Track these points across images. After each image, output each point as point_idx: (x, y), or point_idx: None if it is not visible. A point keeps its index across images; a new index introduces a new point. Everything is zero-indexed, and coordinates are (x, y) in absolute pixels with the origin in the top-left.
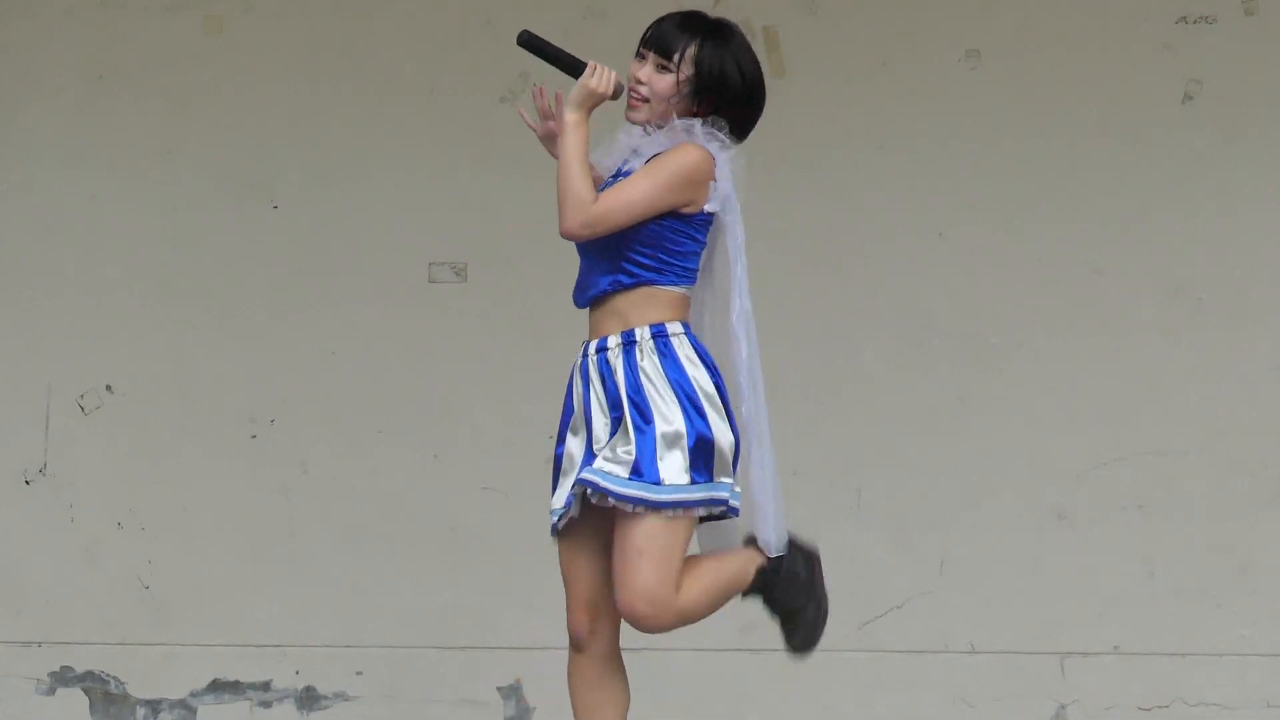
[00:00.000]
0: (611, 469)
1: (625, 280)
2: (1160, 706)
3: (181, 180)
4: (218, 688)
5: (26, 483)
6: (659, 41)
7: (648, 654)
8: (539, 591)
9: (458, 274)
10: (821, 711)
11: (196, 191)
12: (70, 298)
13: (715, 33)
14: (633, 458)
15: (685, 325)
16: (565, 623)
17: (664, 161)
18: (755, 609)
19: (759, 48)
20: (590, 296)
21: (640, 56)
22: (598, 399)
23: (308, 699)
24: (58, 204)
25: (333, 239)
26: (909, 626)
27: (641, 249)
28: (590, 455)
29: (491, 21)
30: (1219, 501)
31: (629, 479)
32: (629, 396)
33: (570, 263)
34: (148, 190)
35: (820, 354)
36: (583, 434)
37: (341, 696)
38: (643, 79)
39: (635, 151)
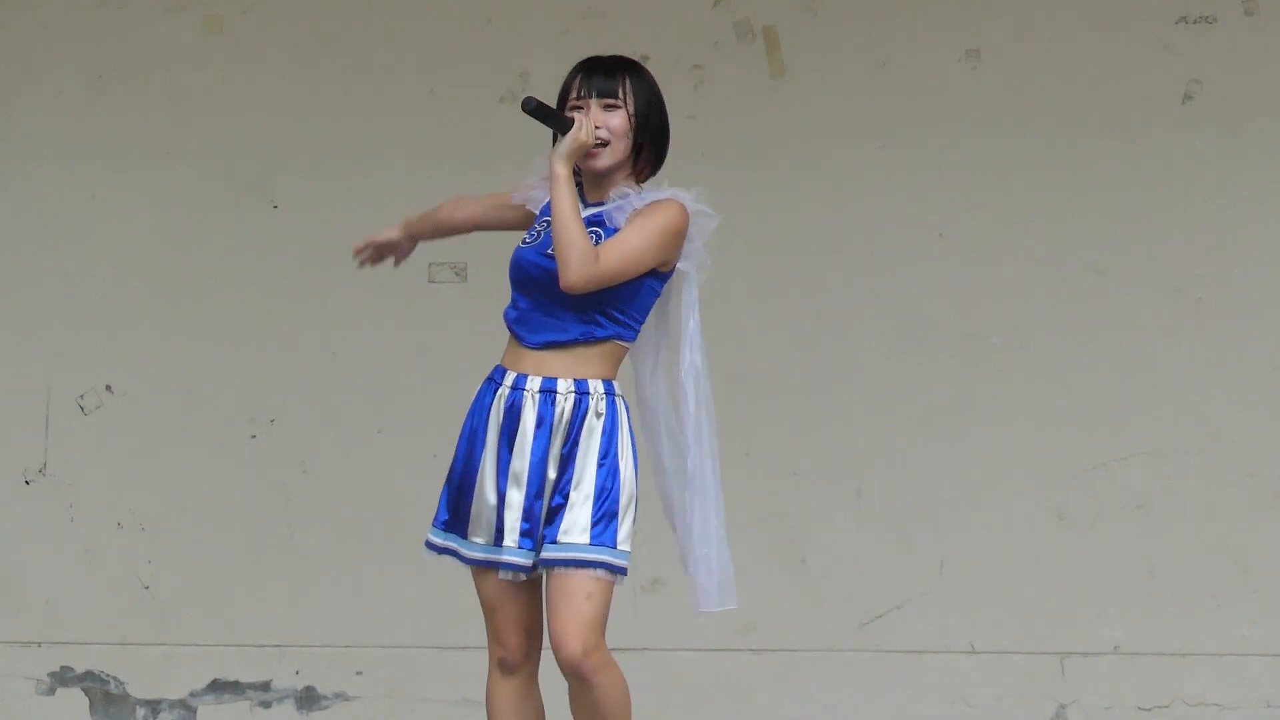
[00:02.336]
0: (572, 537)
1: (598, 333)
2: (1160, 706)
3: (181, 180)
4: (218, 688)
5: (26, 483)
6: (600, 84)
7: (648, 654)
8: None
9: (458, 274)
10: (821, 711)
11: (196, 191)
12: (70, 298)
13: (637, 66)
14: (588, 520)
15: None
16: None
17: (653, 218)
18: (755, 609)
19: (759, 48)
20: (550, 340)
21: (576, 108)
22: (527, 436)
23: (308, 699)
24: (58, 204)
25: (333, 239)
26: (909, 626)
27: (619, 304)
28: (533, 507)
29: (491, 21)
30: (1219, 501)
31: (591, 544)
32: (593, 450)
33: None
34: (148, 190)
35: (820, 353)
36: (494, 469)
37: (341, 696)
38: (598, 123)
39: (622, 204)
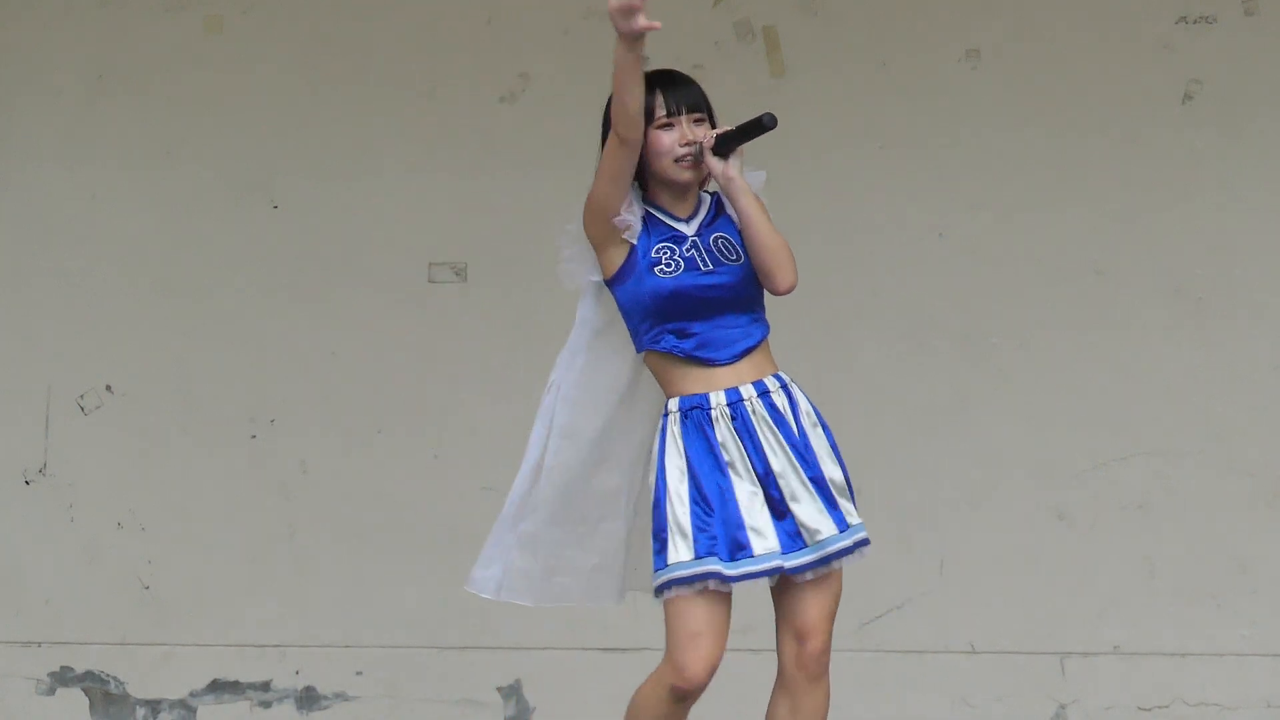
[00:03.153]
0: (854, 519)
1: (765, 326)
2: (1160, 706)
3: (181, 180)
4: (218, 688)
5: (26, 483)
6: (689, 99)
7: (648, 654)
8: None
9: (458, 274)
10: None
11: (196, 191)
12: (70, 298)
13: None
14: (851, 503)
15: None
16: (676, 664)
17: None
18: (755, 609)
19: (759, 48)
20: (743, 349)
21: (668, 126)
22: (778, 442)
23: (308, 699)
24: (58, 204)
25: (333, 239)
26: (909, 626)
27: (763, 296)
28: (784, 513)
29: (492, 21)
30: (1219, 501)
31: (852, 528)
32: (820, 436)
33: None
34: (148, 190)
35: (820, 354)
36: (752, 480)
37: (341, 696)
38: (693, 138)
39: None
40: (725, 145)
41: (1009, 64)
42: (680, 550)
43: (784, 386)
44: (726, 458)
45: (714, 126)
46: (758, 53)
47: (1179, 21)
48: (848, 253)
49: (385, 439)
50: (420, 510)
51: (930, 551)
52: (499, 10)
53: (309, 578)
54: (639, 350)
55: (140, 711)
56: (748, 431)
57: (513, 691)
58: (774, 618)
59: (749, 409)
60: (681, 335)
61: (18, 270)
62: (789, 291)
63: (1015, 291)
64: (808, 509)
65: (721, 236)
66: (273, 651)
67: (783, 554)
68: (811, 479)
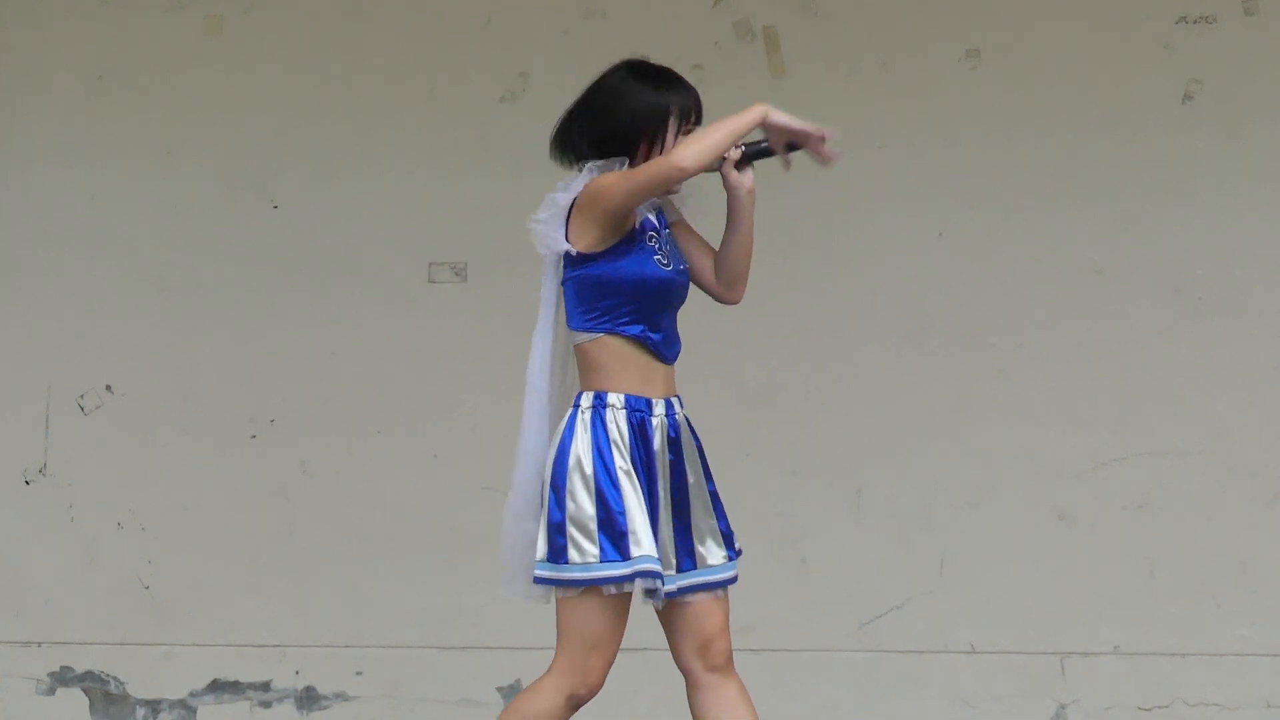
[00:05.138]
0: (720, 558)
1: None
2: (1160, 706)
3: (181, 180)
4: (218, 688)
5: (26, 483)
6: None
7: (648, 654)
8: None
9: (458, 274)
10: (821, 711)
11: (196, 191)
12: (70, 298)
13: None
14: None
15: None
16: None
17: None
18: (755, 609)
19: (759, 48)
20: (677, 350)
21: (688, 131)
22: (696, 460)
23: (308, 699)
24: (58, 204)
25: (333, 239)
26: (909, 626)
27: None
28: (688, 535)
29: (491, 21)
30: (1219, 501)
31: (735, 560)
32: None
33: None
34: (148, 190)
35: (820, 354)
36: (667, 495)
37: (341, 696)
38: None
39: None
40: (749, 160)
41: (1009, 64)
42: (621, 549)
43: (681, 408)
44: (655, 467)
45: None
46: (758, 53)
47: (1179, 21)
48: (848, 253)
49: (385, 439)
50: (420, 510)
51: (930, 551)
52: (499, 10)
53: (309, 577)
54: (590, 329)
55: (140, 711)
56: (678, 447)
57: (513, 691)
58: (666, 635)
59: (680, 425)
60: (652, 327)
61: (18, 270)
62: (736, 303)
63: (1015, 291)
64: (706, 535)
65: (670, 237)
66: (273, 651)
67: (678, 574)
68: (712, 494)
